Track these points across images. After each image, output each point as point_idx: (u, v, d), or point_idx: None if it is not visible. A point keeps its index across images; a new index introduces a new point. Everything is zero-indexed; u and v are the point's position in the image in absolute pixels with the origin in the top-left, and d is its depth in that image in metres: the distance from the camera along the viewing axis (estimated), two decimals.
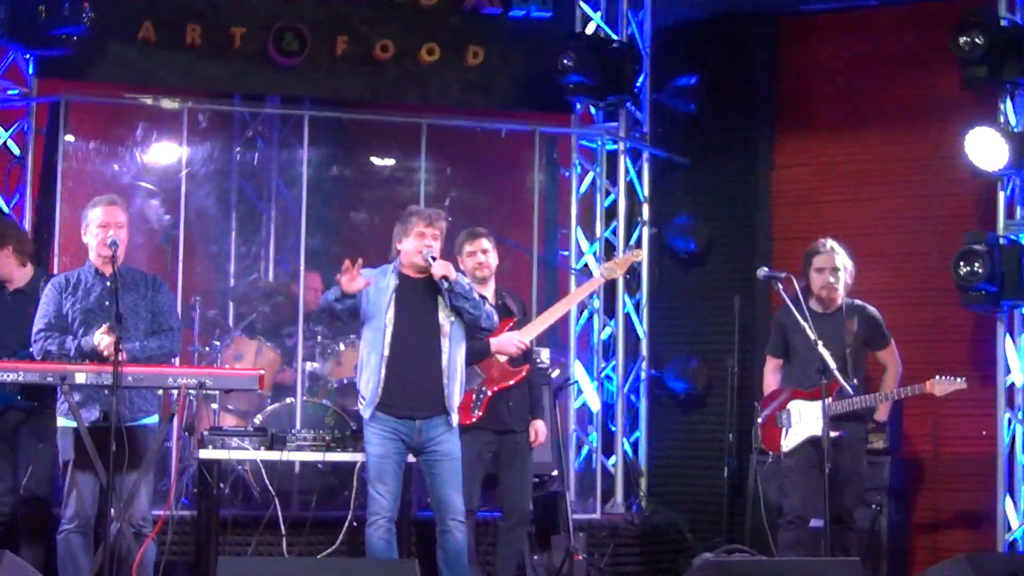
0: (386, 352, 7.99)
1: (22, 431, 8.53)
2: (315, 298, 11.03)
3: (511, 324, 8.80)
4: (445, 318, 8.05)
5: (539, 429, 8.96)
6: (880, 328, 9.22)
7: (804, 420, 8.89)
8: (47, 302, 7.96)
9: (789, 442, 8.93)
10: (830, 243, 9.20)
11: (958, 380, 8.87)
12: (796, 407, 8.94)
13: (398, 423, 8.00)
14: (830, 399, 8.63)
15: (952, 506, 11.09)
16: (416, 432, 8.00)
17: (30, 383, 7.71)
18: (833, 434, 8.67)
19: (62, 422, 7.83)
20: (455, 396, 8.07)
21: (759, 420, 9.18)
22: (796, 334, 8.91)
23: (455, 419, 8.08)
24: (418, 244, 8.05)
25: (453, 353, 8.06)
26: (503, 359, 8.73)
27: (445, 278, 7.93)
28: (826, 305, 9.08)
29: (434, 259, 7.97)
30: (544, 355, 9.84)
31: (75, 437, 7.69)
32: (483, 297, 8.22)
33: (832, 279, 9.03)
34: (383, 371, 7.97)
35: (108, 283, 7.86)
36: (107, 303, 7.80)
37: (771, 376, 9.29)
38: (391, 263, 8.21)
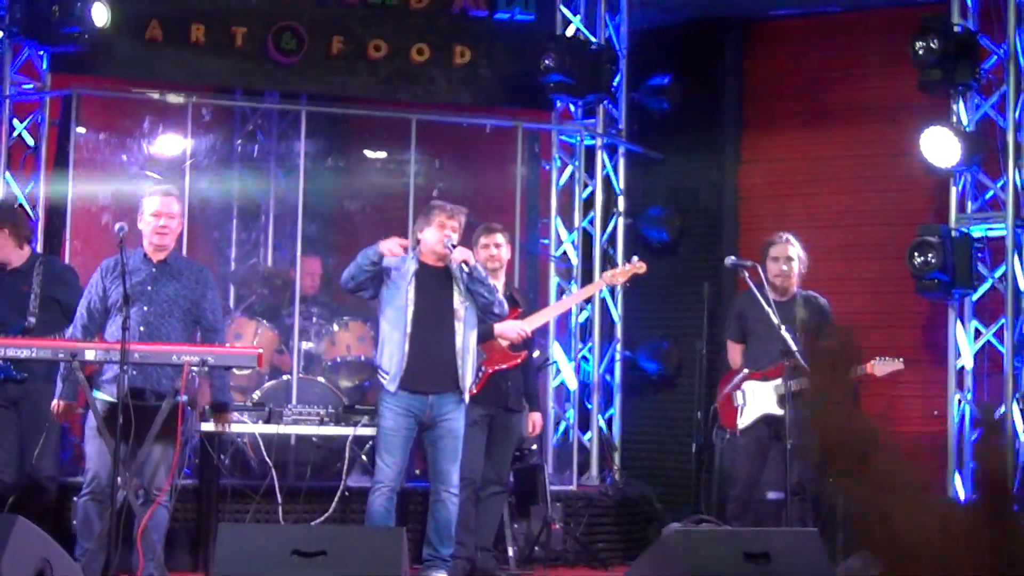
0: (409, 329, 8.35)
1: (26, 406, 8.82)
2: (312, 282, 11.49)
3: (518, 314, 9.20)
4: (460, 303, 8.44)
5: (536, 421, 9.41)
6: (828, 318, 9.65)
7: (757, 399, 9.40)
8: (90, 286, 8.20)
9: (744, 420, 9.43)
10: (785, 235, 9.70)
11: (896, 361, 9.26)
12: (750, 387, 9.44)
13: (411, 398, 8.36)
14: (780, 380, 9.24)
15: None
16: (428, 407, 8.37)
17: (42, 359, 7.91)
18: (781, 412, 9.29)
19: (97, 395, 8.03)
20: (468, 376, 8.44)
21: (718, 400, 9.68)
22: (753, 319, 9.41)
23: (467, 397, 8.47)
24: (439, 234, 8.41)
25: (467, 335, 8.44)
26: (504, 343, 9.14)
27: (465, 263, 8.33)
28: (780, 293, 9.54)
29: (454, 247, 8.35)
30: None
31: (103, 409, 7.94)
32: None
33: (785, 267, 9.51)
34: (407, 346, 8.33)
35: (154, 269, 8.18)
36: (148, 288, 8.09)
37: (737, 357, 9.75)
38: (411, 252, 8.57)
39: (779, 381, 9.31)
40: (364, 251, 8.43)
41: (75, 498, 8.28)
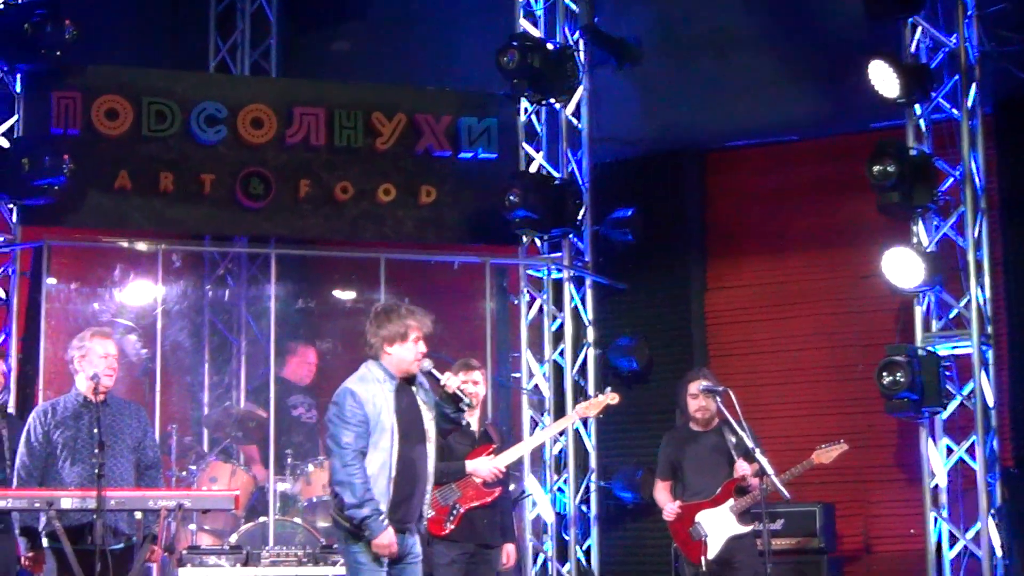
0: (393, 473, 7.37)
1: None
2: (309, 371, 11.78)
3: (490, 450, 9.03)
4: (429, 422, 7.57)
5: (510, 552, 9.26)
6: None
7: (718, 526, 9.40)
8: (28, 434, 8.07)
9: (712, 550, 9.37)
10: (703, 371, 9.87)
11: (839, 444, 9.39)
12: (703, 517, 9.43)
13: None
14: (732, 499, 9.34)
15: None
16: (404, 544, 7.44)
17: (18, 509, 7.76)
18: (747, 529, 9.37)
19: (47, 542, 7.93)
20: (428, 499, 7.61)
21: (675, 540, 9.65)
22: (685, 455, 9.57)
23: (424, 525, 7.62)
24: (415, 352, 7.47)
25: (434, 459, 7.61)
26: (478, 480, 8.95)
27: (460, 392, 7.51)
28: (703, 424, 9.63)
29: (436, 378, 7.50)
30: None
31: (58, 558, 7.83)
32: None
33: (704, 402, 9.56)
34: (391, 492, 7.36)
35: (95, 411, 8.01)
36: (95, 430, 7.94)
37: (664, 495, 9.69)
38: (373, 366, 7.53)
39: (731, 502, 9.38)
40: (370, 516, 7.25)
41: None
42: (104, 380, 8.15)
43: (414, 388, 7.58)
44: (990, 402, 10.80)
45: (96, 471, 7.70)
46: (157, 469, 8.36)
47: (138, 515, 7.90)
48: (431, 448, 7.59)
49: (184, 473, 10.97)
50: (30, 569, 8.17)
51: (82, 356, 8.23)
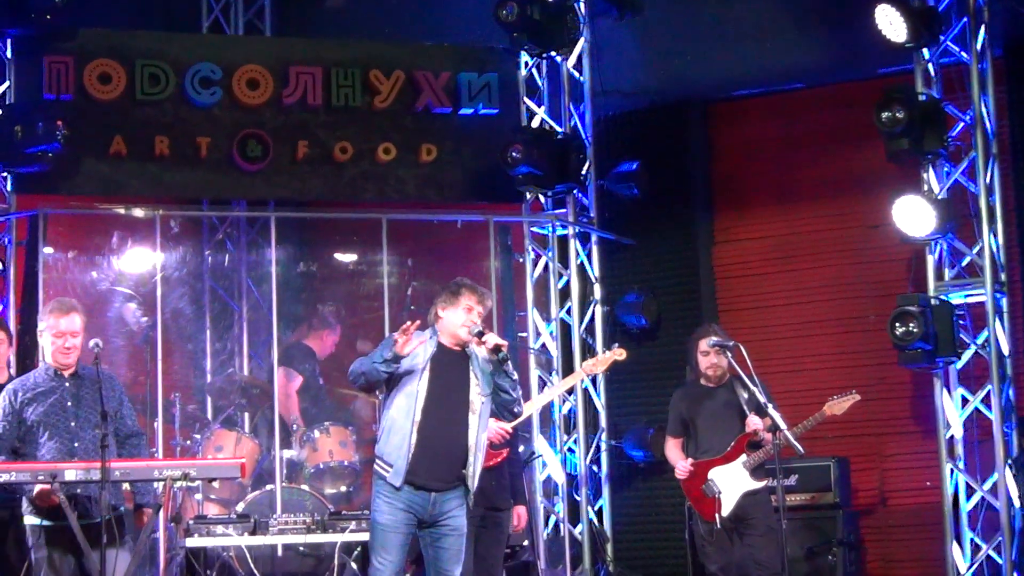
0: (417, 418, 7.53)
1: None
2: (333, 350, 11.55)
3: None
4: (477, 394, 7.66)
5: (521, 514, 9.21)
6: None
7: (731, 482, 9.26)
8: (2, 410, 7.84)
9: (727, 507, 9.24)
10: (713, 326, 9.68)
11: (851, 395, 9.27)
12: (716, 474, 9.29)
13: (414, 494, 7.54)
14: (744, 455, 9.20)
15: (903, 555, 11.45)
16: (431, 505, 7.57)
17: (22, 482, 7.55)
18: (760, 484, 9.22)
19: (29, 520, 7.76)
20: (478, 475, 7.71)
21: (688, 498, 9.51)
22: (697, 411, 9.41)
23: (471, 499, 7.72)
24: (465, 318, 7.65)
25: (480, 431, 7.66)
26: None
27: (500, 348, 7.58)
28: (714, 381, 9.46)
29: (481, 333, 7.60)
30: None
31: (45, 535, 7.69)
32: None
33: (715, 359, 9.38)
34: (414, 437, 7.52)
35: (67, 383, 7.84)
36: (69, 403, 7.79)
37: (676, 452, 9.54)
38: (425, 329, 7.80)
39: (744, 457, 9.25)
40: (379, 349, 7.58)
41: None
42: (60, 358, 7.88)
43: (470, 363, 7.72)
44: (1005, 350, 10.70)
45: (99, 442, 7.51)
46: (139, 436, 8.15)
47: (126, 486, 7.80)
48: (474, 420, 7.65)
49: (188, 442, 10.91)
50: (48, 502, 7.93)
51: (40, 332, 8.02)
